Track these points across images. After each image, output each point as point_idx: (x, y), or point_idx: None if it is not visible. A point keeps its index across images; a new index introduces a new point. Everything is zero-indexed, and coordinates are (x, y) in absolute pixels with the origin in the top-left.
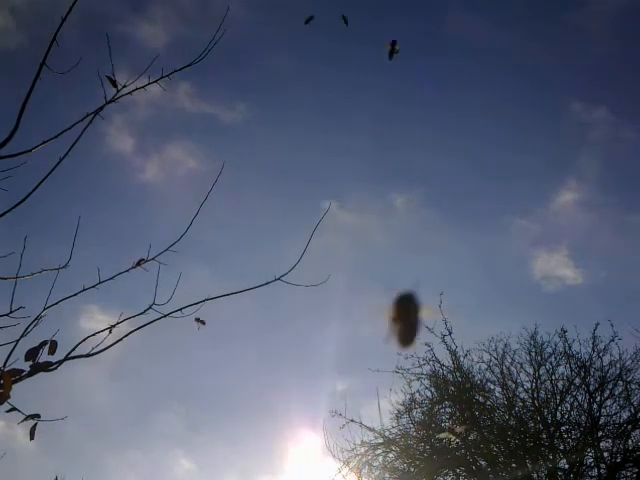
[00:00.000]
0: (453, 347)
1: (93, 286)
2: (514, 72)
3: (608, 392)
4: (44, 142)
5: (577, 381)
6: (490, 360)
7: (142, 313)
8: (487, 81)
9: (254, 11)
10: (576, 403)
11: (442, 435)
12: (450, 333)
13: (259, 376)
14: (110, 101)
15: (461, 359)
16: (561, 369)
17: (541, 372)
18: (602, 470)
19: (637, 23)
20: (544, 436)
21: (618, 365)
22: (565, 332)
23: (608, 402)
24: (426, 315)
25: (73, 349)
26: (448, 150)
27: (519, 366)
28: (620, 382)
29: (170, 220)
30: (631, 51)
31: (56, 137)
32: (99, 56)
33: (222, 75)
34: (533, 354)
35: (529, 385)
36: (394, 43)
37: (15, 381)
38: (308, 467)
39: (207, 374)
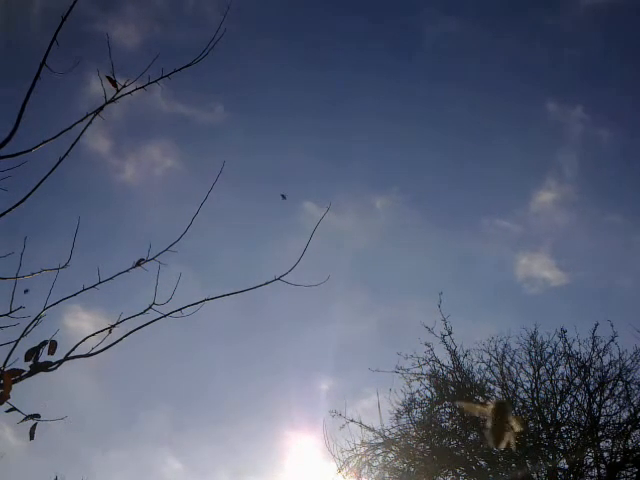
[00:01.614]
0: (453, 347)
1: (93, 286)
2: (489, 73)
3: (608, 392)
4: (44, 142)
5: (577, 381)
6: (490, 360)
7: (142, 313)
8: (463, 82)
9: (230, 11)
10: (576, 403)
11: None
12: (450, 333)
13: (247, 376)
14: (110, 101)
15: (461, 359)
16: (561, 369)
17: (541, 372)
18: (602, 470)
19: (610, 24)
20: (544, 436)
21: (618, 365)
22: (565, 332)
23: (608, 402)
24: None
25: (73, 349)
26: (425, 151)
27: (519, 366)
28: (620, 382)
29: (152, 220)
30: (605, 51)
31: (56, 137)
32: (74, 55)
33: (199, 76)
34: (533, 354)
35: (529, 385)
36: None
37: (15, 381)
38: (303, 467)
39: (194, 373)
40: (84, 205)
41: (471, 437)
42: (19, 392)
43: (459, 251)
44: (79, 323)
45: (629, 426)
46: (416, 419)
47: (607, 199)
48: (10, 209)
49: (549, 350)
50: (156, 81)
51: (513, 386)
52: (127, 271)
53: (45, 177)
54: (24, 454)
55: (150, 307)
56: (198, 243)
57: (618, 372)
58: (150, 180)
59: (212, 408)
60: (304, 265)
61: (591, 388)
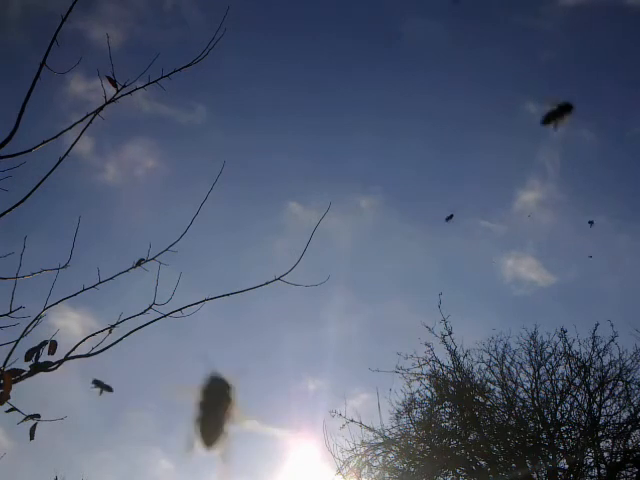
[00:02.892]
0: (453, 347)
1: (93, 286)
2: (468, 74)
3: (608, 392)
4: (44, 142)
5: (577, 381)
6: (490, 360)
7: (142, 313)
8: (442, 84)
9: (207, 11)
10: (576, 403)
11: None
12: (450, 333)
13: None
14: (110, 101)
15: (461, 359)
16: (561, 369)
17: (541, 372)
18: (602, 470)
19: (587, 23)
20: (544, 436)
21: (618, 365)
22: (565, 332)
23: (608, 402)
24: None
25: (73, 349)
26: (408, 152)
27: (519, 366)
28: (620, 382)
29: (138, 220)
30: (582, 51)
31: (56, 137)
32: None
33: (179, 76)
34: (533, 354)
35: (529, 385)
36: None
37: (15, 381)
38: (300, 469)
39: (186, 374)
40: (68, 205)
41: (471, 437)
42: (19, 392)
43: (444, 252)
44: (66, 321)
45: (629, 426)
46: (416, 419)
47: (591, 199)
48: (10, 209)
49: (549, 350)
50: (156, 81)
51: (513, 386)
52: (127, 271)
53: (45, 177)
54: (16, 455)
55: (150, 307)
56: (182, 244)
57: (618, 372)
58: (132, 181)
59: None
60: (292, 265)
61: (591, 388)
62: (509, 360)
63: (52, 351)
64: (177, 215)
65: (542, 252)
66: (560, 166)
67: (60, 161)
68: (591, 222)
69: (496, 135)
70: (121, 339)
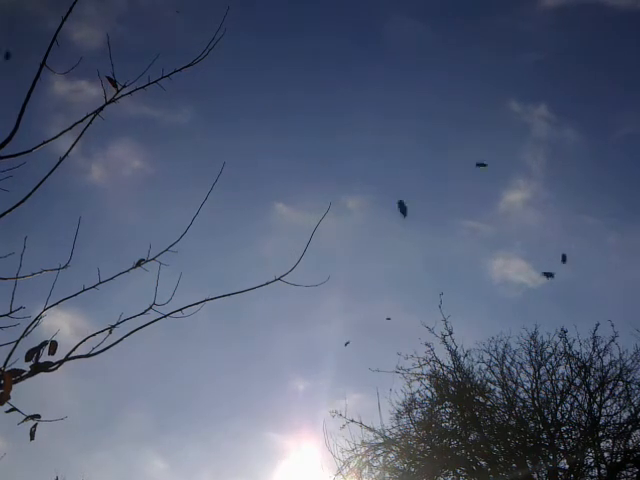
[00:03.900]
0: (453, 347)
1: (93, 286)
2: (453, 74)
3: (608, 392)
4: (44, 142)
5: (577, 381)
6: (490, 360)
7: (142, 313)
8: (428, 84)
9: (191, 13)
10: (576, 403)
11: None
12: (450, 333)
13: (236, 377)
14: (110, 101)
15: (461, 359)
16: (561, 369)
17: (541, 372)
18: (602, 470)
19: (569, 24)
20: (544, 436)
21: (618, 365)
22: (565, 332)
23: (608, 402)
24: None
25: (73, 349)
26: (395, 154)
27: (519, 366)
28: (620, 382)
29: (127, 221)
30: (566, 51)
31: (56, 137)
32: (36, 55)
33: (178, 76)
34: (533, 354)
35: (529, 385)
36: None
37: (15, 381)
38: (300, 469)
39: (181, 374)
40: (63, 206)
41: (471, 437)
42: (19, 393)
43: (430, 254)
44: (58, 321)
45: (629, 426)
46: (416, 419)
47: (589, 198)
48: (10, 209)
49: (549, 350)
50: (156, 81)
51: (513, 386)
52: (127, 271)
53: (46, 177)
54: (15, 456)
55: (150, 307)
56: (180, 245)
57: (618, 372)
58: (118, 182)
59: (202, 409)
60: (284, 266)
61: (591, 388)
62: (509, 360)
63: (52, 351)
64: (169, 215)
65: (531, 252)
66: (547, 165)
67: (60, 161)
68: (484, 165)
69: (481, 134)
70: (121, 339)
